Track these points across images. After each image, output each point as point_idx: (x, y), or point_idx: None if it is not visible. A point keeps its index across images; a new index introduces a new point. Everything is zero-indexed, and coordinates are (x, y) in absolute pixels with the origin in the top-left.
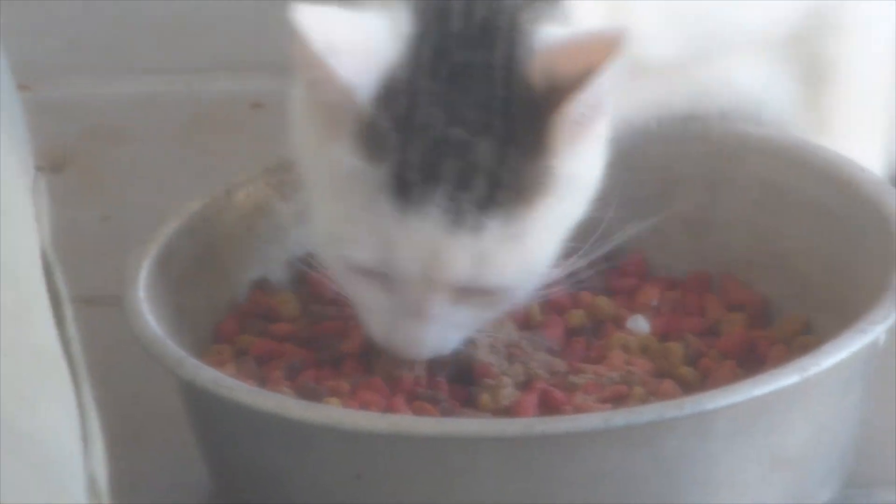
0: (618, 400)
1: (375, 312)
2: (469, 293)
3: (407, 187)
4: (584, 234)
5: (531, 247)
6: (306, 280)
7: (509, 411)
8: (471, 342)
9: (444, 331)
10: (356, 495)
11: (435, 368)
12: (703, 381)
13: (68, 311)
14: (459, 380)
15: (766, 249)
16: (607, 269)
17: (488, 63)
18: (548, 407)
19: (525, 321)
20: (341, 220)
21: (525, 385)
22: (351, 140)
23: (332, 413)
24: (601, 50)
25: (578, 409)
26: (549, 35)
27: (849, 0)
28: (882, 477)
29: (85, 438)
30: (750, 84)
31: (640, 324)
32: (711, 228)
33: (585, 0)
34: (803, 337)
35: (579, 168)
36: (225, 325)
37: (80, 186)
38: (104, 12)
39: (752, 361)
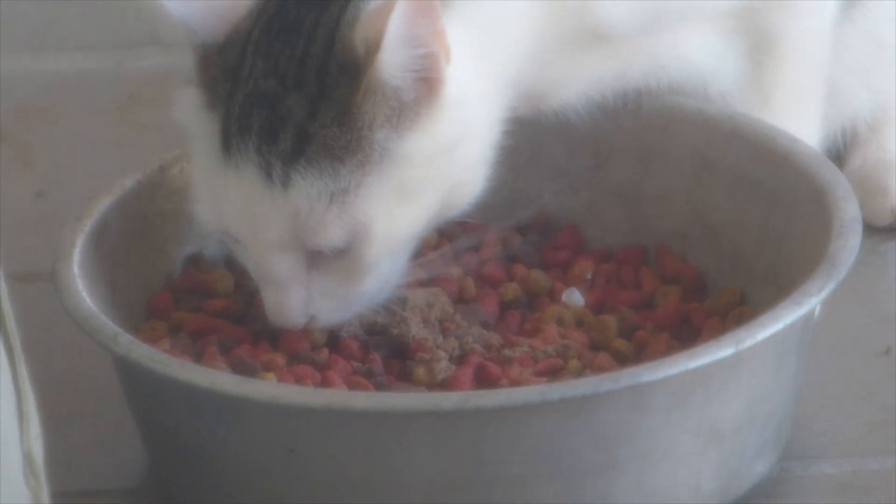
0: (553, 373)
1: (252, 276)
2: (318, 258)
3: (228, 139)
4: (512, 204)
5: (357, 210)
6: None
7: (445, 385)
8: (403, 318)
9: (309, 298)
10: (290, 470)
11: (369, 344)
12: (638, 353)
13: (2, 288)
14: (394, 354)
15: (701, 222)
16: (541, 242)
17: (317, 22)
18: (483, 381)
19: (459, 295)
20: (195, 178)
21: (460, 359)
22: (195, 88)
23: (267, 388)
24: (387, 9)
25: (514, 383)
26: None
27: None
28: (818, 449)
29: (21, 416)
30: (699, 57)
31: (574, 297)
32: (645, 201)
33: None
34: (739, 309)
35: (412, 141)
36: (159, 300)
37: (14, 164)
38: None
39: (687, 334)
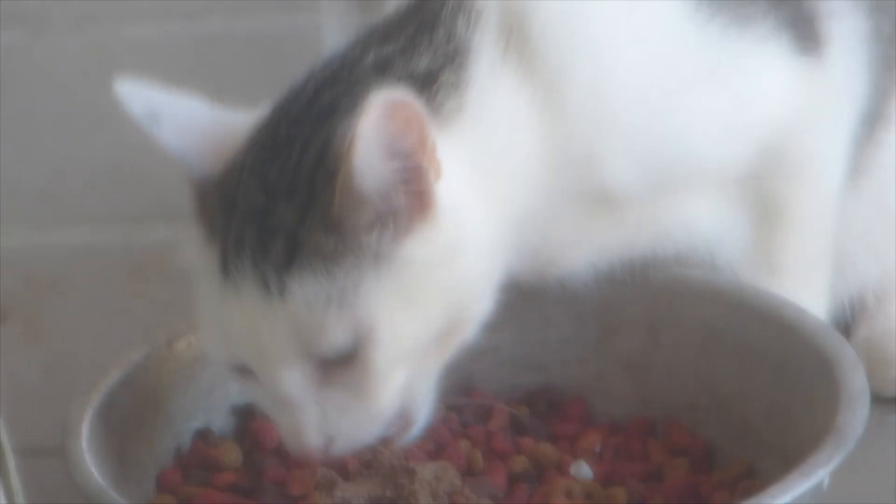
0: None
1: (266, 410)
2: (326, 370)
3: (226, 263)
4: (519, 375)
5: (357, 308)
6: (248, 429)
7: None
8: (411, 491)
9: (325, 417)
10: None
11: None
12: None
13: (11, 463)
14: None
15: (709, 393)
16: (549, 414)
17: (309, 139)
18: None
19: (468, 467)
20: (201, 314)
21: None
22: (195, 225)
23: None
24: (363, 118)
25: None
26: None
27: (801, 139)
28: None
29: None
30: (706, 226)
31: (583, 469)
32: (653, 373)
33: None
34: (747, 481)
35: (407, 247)
36: (168, 474)
37: (21, 337)
38: (42, 162)
39: None
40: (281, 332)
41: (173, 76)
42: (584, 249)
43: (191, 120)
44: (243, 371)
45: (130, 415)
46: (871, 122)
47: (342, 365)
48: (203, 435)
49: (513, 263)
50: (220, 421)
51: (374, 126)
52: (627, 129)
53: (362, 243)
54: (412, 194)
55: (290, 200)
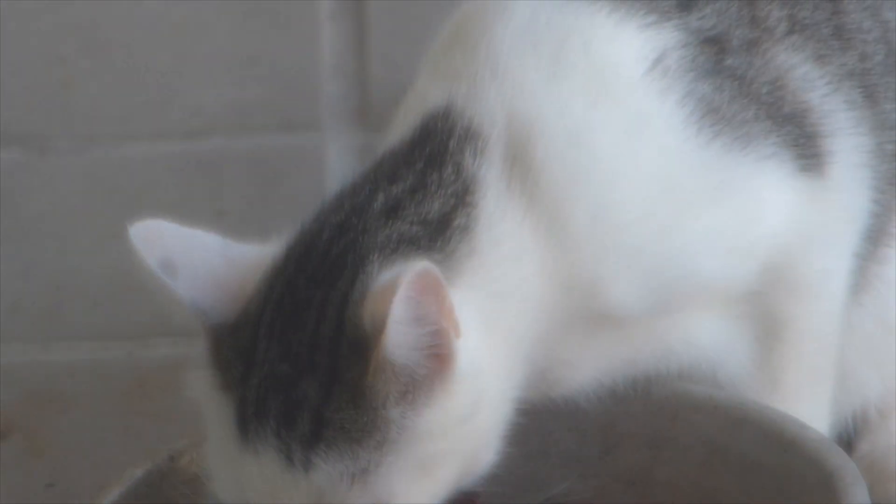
0: None
1: None
2: None
3: (245, 423)
4: (521, 490)
5: (378, 488)
6: None
7: None
8: None
9: None
10: None
11: None
12: None
13: None
14: None
15: None
16: None
17: (325, 301)
18: None
19: None
20: (211, 457)
21: None
22: (208, 369)
23: None
24: (390, 291)
25: None
26: (384, 277)
27: (804, 257)
28: None
29: None
30: (709, 343)
31: None
32: (655, 487)
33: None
34: None
35: (427, 416)
36: None
37: (23, 454)
38: (43, 280)
39: None
40: (300, 502)
41: (174, 195)
42: (589, 368)
43: (205, 266)
44: None
45: None
46: (874, 239)
47: None
48: None
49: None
50: None
51: (404, 301)
52: (629, 253)
53: (388, 419)
54: (434, 358)
55: (313, 373)
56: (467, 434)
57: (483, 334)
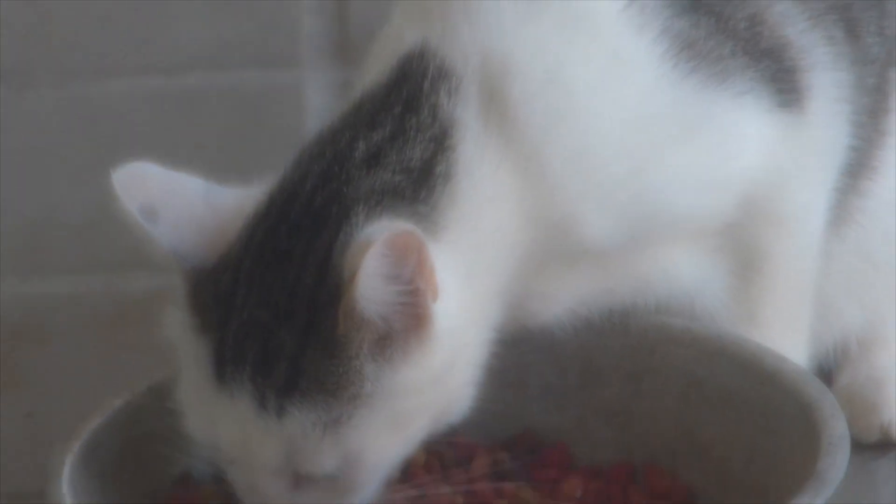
0: None
1: (237, 490)
2: (306, 479)
3: (222, 366)
4: (500, 422)
5: (351, 440)
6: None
7: None
8: None
9: None
10: None
11: None
12: None
13: None
14: None
15: (689, 439)
16: (530, 460)
17: (307, 251)
18: None
19: None
20: (186, 397)
21: None
22: (185, 312)
23: None
24: (366, 247)
25: None
26: (368, 231)
27: (781, 191)
28: None
29: None
30: (686, 275)
31: None
32: (634, 419)
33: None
34: None
35: (403, 374)
36: None
37: (3, 385)
38: (23, 214)
39: None
40: (271, 448)
41: (154, 131)
42: (565, 300)
43: (186, 211)
44: (226, 460)
45: (112, 461)
46: (854, 172)
47: (322, 478)
48: (184, 480)
49: (498, 311)
50: (200, 468)
51: (377, 257)
52: (606, 189)
53: (363, 373)
54: (410, 317)
55: (291, 322)
56: (443, 389)
57: (463, 289)
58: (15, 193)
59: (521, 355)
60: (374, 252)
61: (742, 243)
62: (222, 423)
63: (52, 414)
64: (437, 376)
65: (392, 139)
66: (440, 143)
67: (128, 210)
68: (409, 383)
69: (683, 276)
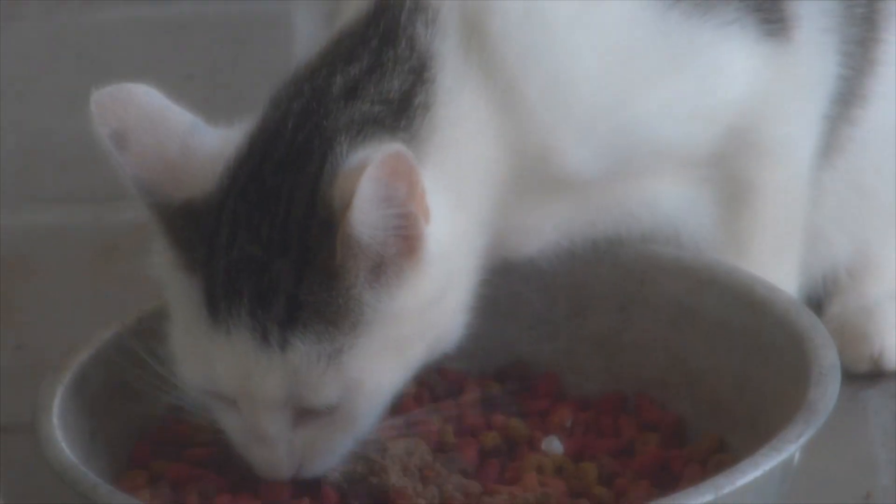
0: None
1: (232, 435)
2: (306, 413)
3: (216, 303)
4: (490, 352)
5: (353, 369)
6: None
7: None
8: (382, 466)
9: (296, 452)
10: None
11: (349, 492)
12: (618, 501)
13: None
14: (374, 503)
15: (679, 369)
16: (520, 390)
17: (294, 184)
18: None
19: (439, 443)
20: (175, 336)
21: None
22: (168, 250)
23: None
24: (360, 171)
25: None
26: (356, 157)
27: (768, 122)
28: None
29: None
30: (671, 205)
31: (554, 445)
32: (624, 349)
33: (466, 119)
34: (718, 456)
35: (399, 299)
36: (139, 450)
37: None
38: (12, 144)
39: (667, 481)
40: (274, 382)
41: (143, 59)
42: (549, 231)
43: (160, 146)
44: (217, 396)
45: (101, 392)
46: (844, 101)
47: (322, 411)
48: (174, 411)
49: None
50: (190, 398)
51: (372, 180)
52: (586, 121)
53: (361, 301)
54: (404, 241)
55: (286, 256)
56: (437, 314)
57: (451, 215)
58: (4, 123)
59: (511, 286)
60: (368, 175)
61: (729, 174)
62: (220, 361)
63: (42, 346)
64: (432, 300)
65: (370, 72)
66: (419, 74)
67: (98, 133)
68: (406, 309)
69: (669, 206)
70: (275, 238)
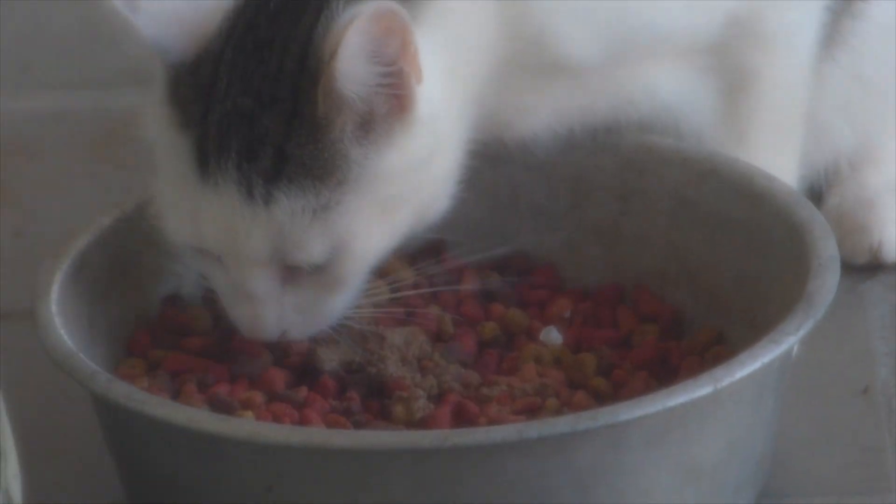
0: (531, 411)
1: (220, 293)
2: (294, 274)
3: (206, 157)
4: (489, 242)
5: (338, 227)
6: None
7: (423, 424)
8: (380, 356)
9: (283, 312)
10: None
11: (347, 382)
12: (616, 392)
13: None
14: (372, 393)
15: (679, 261)
16: (519, 281)
17: (288, 37)
18: (462, 419)
19: (437, 333)
20: (164, 194)
21: (438, 398)
22: (166, 107)
23: (245, 426)
24: (348, 24)
25: (492, 421)
26: (349, 12)
27: (769, 9)
28: (796, 487)
29: None
30: (670, 94)
31: (552, 335)
32: (623, 240)
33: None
34: (716, 348)
35: (387, 158)
36: (137, 338)
37: None
38: (9, 27)
39: (665, 373)
40: (258, 237)
41: None
42: (542, 113)
43: (168, 4)
44: (205, 254)
45: (100, 279)
46: None
47: (309, 271)
48: (172, 300)
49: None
50: (189, 287)
51: (359, 33)
52: (582, 5)
53: (348, 157)
54: (393, 98)
55: (275, 107)
56: (425, 178)
57: (443, 79)
58: (5, 9)
59: (512, 175)
60: (355, 28)
61: (730, 62)
62: (207, 216)
63: (40, 231)
64: (421, 162)
65: None
66: None
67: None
68: (394, 168)
69: (668, 95)
70: (266, 90)
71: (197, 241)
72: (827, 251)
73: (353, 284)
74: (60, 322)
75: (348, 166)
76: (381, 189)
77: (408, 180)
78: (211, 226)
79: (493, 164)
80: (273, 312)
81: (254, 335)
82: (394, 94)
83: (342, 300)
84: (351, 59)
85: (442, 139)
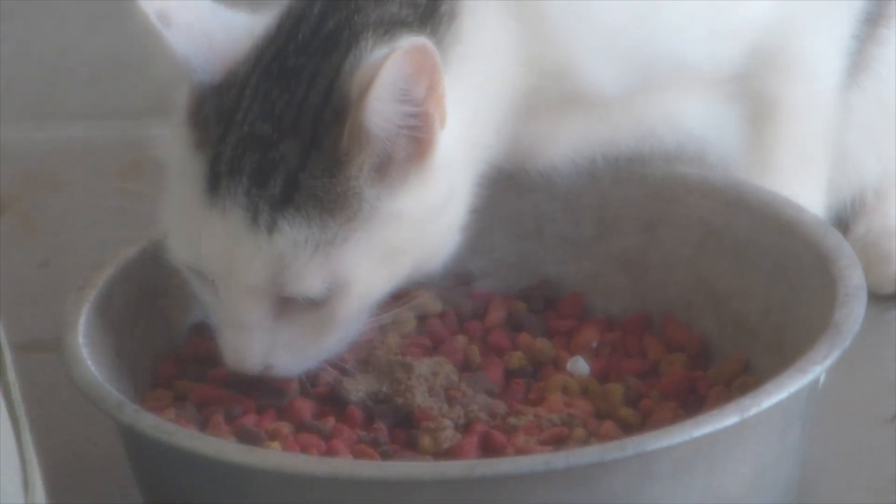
0: (558, 441)
1: (212, 318)
2: (288, 307)
3: (217, 178)
4: (516, 272)
5: (340, 264)
6: None
7: (450, 454)
8: (408, 386)
9: (270, 346)
10: None
11: (374, 412)
12: (643, 422)
13: (8, 358)
14: (399, 423)
15: (705, 290)
16: (546, 310)
17: (316, 70)
18: (489, 449)
19: (464, 363)
20: (169, 211)
21: (465, 428)
22: (185, 127)
23: (272, 457)
24: (385, 58)
25: (519, 451)
26: (380, 52)
27: (794, 39)
28: None
29: (25, 485)
30: (695, 123)
31: (579, 365)
32: (650, 269)
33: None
34: (743, 377)
35: (400, 201)
36: (163, 369)
37: (18, 233)
38: (37, 57)
39: (692, 402)
40: (257, 266)
41: None
42: (563, 143)
43: (200, 23)
44: (202, 276)
45: (126, 310)
46: (872, 21)
47: (303, 307)
48: (198, 330)
49: (491, 154)
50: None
51: (394, 67)
52: (604, 37)
53: (362, 195)
54: (414, 142)
55: (294, 136)
56: (434, 227)
57: (463, 126)
58: (32, 38)
59: (538, 205)
60: (392, 62)
61: (754, 91)
62: (208, 238)
63: (66, 262)
64: (432, 210)
65: None
66: None
67: (144, 12)
68: (404, 213)
69: (693, 125)
70: (287, 118)
71: (195, 261)
72: (854, 280)
73: (346, 324)
74: (88, 353)
75: (360, 205)
76: (388, 232)
77: (416, 228)
78: (211, 247)
79: (518, 193)
80: (260, 344)
81: (236, 366)
82: (416, 137)
83: (333, 340)
84: (383, 95)
85: (456, 188)
